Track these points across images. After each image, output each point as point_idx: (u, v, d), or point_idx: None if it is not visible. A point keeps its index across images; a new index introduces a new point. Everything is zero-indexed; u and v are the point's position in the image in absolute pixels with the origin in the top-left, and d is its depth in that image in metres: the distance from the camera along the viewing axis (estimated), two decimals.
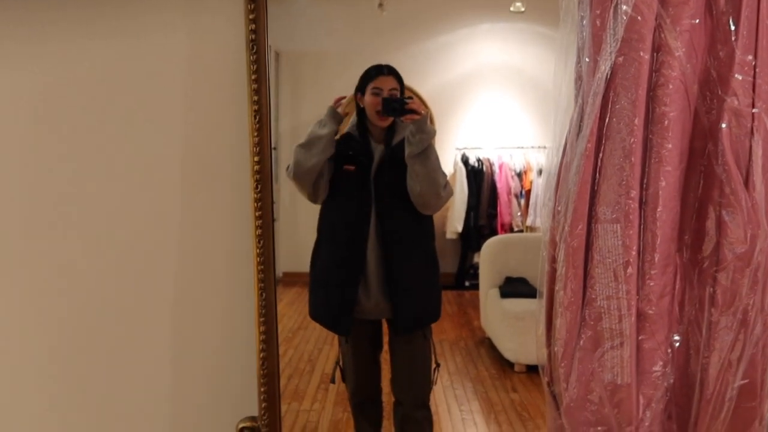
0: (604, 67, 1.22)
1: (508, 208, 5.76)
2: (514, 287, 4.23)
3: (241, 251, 1.36)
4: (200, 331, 1.38)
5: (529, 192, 5.81)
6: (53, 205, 1.34)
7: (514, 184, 5.82)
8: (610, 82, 1.23)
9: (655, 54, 1.21)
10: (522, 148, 6.08)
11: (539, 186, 5.80)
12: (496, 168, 5.82)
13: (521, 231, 5.81)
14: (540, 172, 5.85)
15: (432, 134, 1.92)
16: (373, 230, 2.02)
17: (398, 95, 2.08)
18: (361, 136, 2.07)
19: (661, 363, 1.24)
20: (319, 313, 2.12)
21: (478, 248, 5.32)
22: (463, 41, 6.59)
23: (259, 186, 1.30)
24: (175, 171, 1.35)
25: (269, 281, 1.32)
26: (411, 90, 2.19)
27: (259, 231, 1.31)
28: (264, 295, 1.32)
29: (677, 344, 1.26)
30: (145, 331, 1.37)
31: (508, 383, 3.74)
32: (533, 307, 3.80)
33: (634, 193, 1.22)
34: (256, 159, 1.28)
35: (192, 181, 1.36)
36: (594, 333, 1.26)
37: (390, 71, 2.11)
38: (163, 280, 1.37)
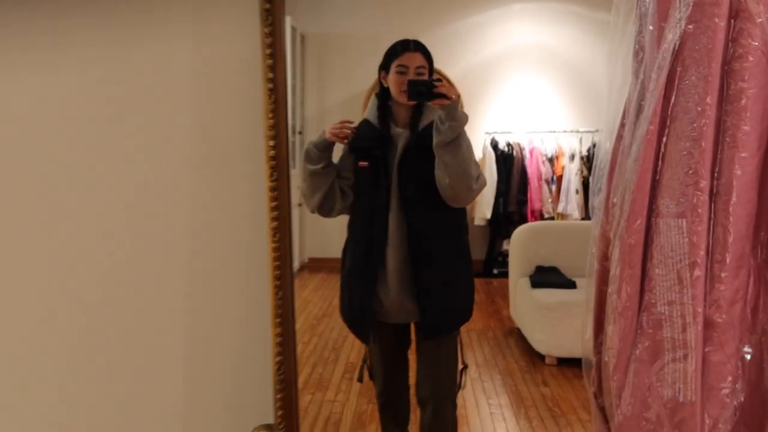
0: (672, 36, 1.02)
1: (538, 195, 5.53)
2: (546, 277, 4.04)
3: (255, 245, 1.21)
4: (213, 332, 1.23)
5: (560, 178, 5.57)
6: (66, 205, 1.24)
7: (545, 169, 5.59)
8: (677, 54, 1.04)
9: (732, 21, 1.02)
10: (554, 132, 5.83)
11: (571, 171, 5.56)
12: (526, 153, 5.58)
13: (552, 218, 5.59)
14: (572, 157, 5.62)
15: (463, 121, 1.70)
16: (395, 225, 1.81)
17: (426, 75, 1.83)
18: (381, 122, 1.87)
19: (730, 378, 1.06)
20: (346, 316, 1.98)
21: (508, 235, 5.12)
22: (494, 21, 6.35)
23: (275, 174, 1.13)
24: (185, 159, 1.20)
25: (286, 278, 1.17)
26: (439, 73, 2.01)
27: (274, 223, 1.15)
28: (280, 293, 1.16)
29: (749, 357, 1.07)
30: (156, 333, 1.23)
31: (539, 376, 3.57)
32: (565, 297, 3.62)
33: (704, 183, 1.03)
34: (271, 144, 1.12)
35: (204, 170, 1.21)
36: (652, 343, 1.08)
37: (417, 47, 1.86)
38: (174, 278, 1.23)
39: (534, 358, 3.81)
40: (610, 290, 1.13)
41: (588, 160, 5.63)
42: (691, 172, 1.04)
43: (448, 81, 2.08)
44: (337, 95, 6.09)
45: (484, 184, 1.86)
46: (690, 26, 1.02)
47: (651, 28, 1.07)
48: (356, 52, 5.99)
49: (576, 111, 5.97)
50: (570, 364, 3.67)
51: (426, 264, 1.83)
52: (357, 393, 2.48)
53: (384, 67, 1.89)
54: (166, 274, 1.22)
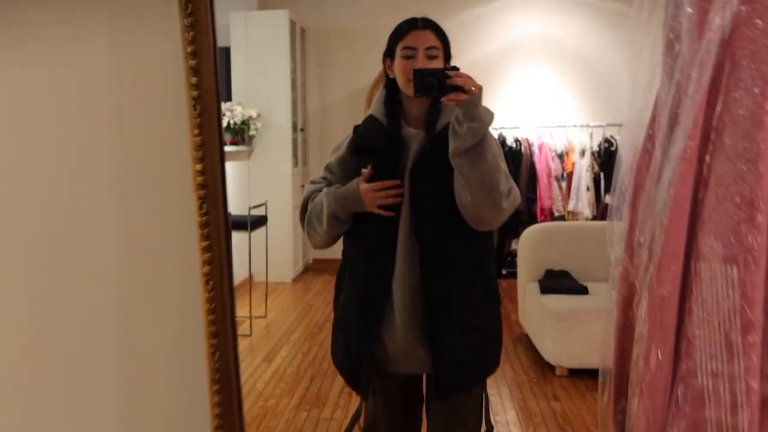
0: (719, 21, 0.75)
1: (548, 192, 5.25)
2: (556, 282, 3.75)
3: (185, 298, 0.93)
4: (146, 404, 0.97)
5: (570, 174, 5.28)
6: None
7: (555, 165, 5.30)
8: (726, 45, 0.76)
9: None
10: (563, 127, 5.57)
11: (582, 168, 5.26)
12: (535, 149, 5.31)
13: (562, 216, 5.30)
14: (583, 152, 5.32)
15: (487, 122, 1.27)
16: (404, 249, 1.38)
17: (440, 58, 1.39)
18: (390, 119, 1.43)
19: None
20: (339, 362, 1.51)
21: (516, 234, 4.83)
22: (498, 13, 6.05)
23: (205, 205, 0.86)
24: (101, 188, 0.92)
25: (226, 334, 0.90)
26: None
27: (206, 268, 0.88)
28: (218, 354, 0.90)
29: None
30: (85, 397, 0.97)
31: (549, 389, 3.30)
32: (576, 305, 3.31)
33: (761, 219, 0.76)
34: (198, 168, 0.84)
35: (123, 202, 0.93)
36: (691, 424, 0.81)
37: (426, 24, 1.41)
38: (98, 332, 0.96)
39: (544, 368, 3.54)
40: (635, 353, 0.86)
41: (599, 156, 5.35)
42: (743, 202, 0.76)
43: None
44: (340, 90, 5.84)
45: (516, 201, 1.35)
46: (743, 7, 0.74)
47: (690, 10, 0.78)
48: (358, 46, 5.75)
49: (586, 105, 5.69)
50: (582, 376, 3.40)
51: (441, 303, 1.38)
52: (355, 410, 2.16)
53: (388, 53, 1.45)
54: (87, 329, 0.96)
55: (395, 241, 1.38)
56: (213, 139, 0.86)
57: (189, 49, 0.81)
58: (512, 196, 1.33)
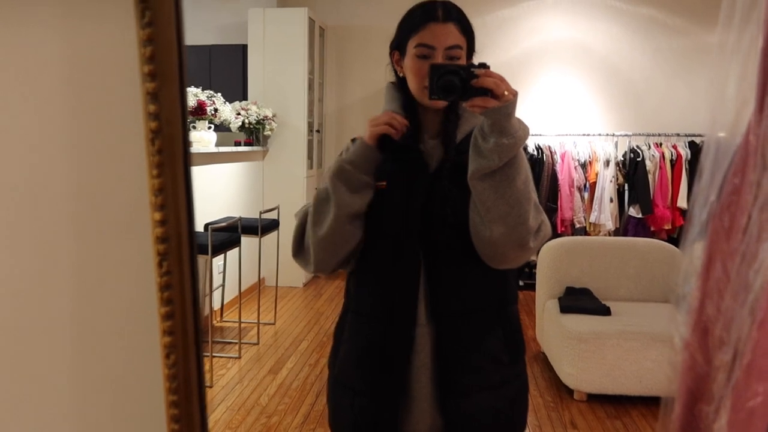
0: None
1: (569, 203, 5.00)
2: (576, 301, 3.51)
3: (145, 368, 0.74)
4: None
5: (593, 185, 5.02)
6: None
7: (578, 175, 5.05)
8: None
9: None
10: (587, 135, 5.31)
11: (606, 178, 5.01)
12: (557, 157, 5.06)
13: (583, 228, 5.05)
14: (607, 162, 5.07)
15: (521, 138, 0.99)
16: (421, 290, 1.12)
17: (462, 59, 1.11)
18: (409, 125, 1.14)
19: None
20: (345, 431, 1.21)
21: None
22: (526, 15, 5.80)
23: (165, 263, 0.67)
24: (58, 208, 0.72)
25: (189, 419, 0.72)
26: None
27: (167, 338, 0.69)
28: None
29: None
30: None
31: (566, 414, 3.09)
32: (597, 326, 3.07)
33: None
34: (157, 217, 0.64)
35: (81, 240, 0.73)
36: None
37: (448, 14, 1.09)
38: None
39: (561, 391, 3.32)
40: None
41: (624, 167, 5.09)
42: None
43: None
44: (358, 91, 5.64)
45: (546, 238, 1.09)
46: None
47: None
48: (378, 46, 5.54)
49: (612, 113, 5.43)
50: (602, 401, 3.18)
51: (459, 356, 1.12)
52: None
53: (397, 44, 1.15)
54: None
55: (418, 278, 1.11)
56: (177, 182, 0.66)
57: (146, 69, 0.62)
58: (542, 233, 1.07)
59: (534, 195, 1.06)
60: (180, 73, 0.65)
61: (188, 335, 0.71)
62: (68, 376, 0.74)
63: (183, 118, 0.67)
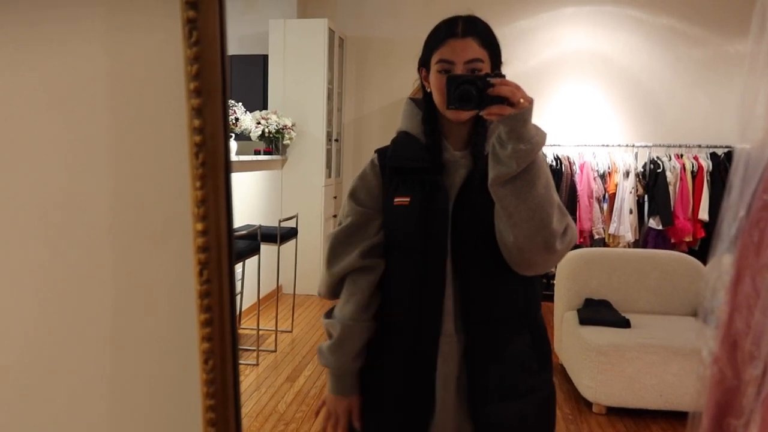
0: None
1: (588, 214, 4.98)
2: (596, 313, 3.49)
3: (184, 373, 0.76)
4: None
5: (613, 196, 5.00)
6: None
7: (597, 186, 5.03)
8: None
9: None
10: (607, 146, 5.28)
11: (625, 189, 4.99)
12: (576, 168, 5.04)
13: (602, 240, 5.03)
14: (627, 173, 5.04)
15: (538, 143, 1.01)
16: (448, 300, 1.14)
17: (480, 71, 1.13)
18: (429, 139, 1.19)
19: None
20: None
21: None
22: (544, 26, 5.81)
23: (206, 271, 0.69)
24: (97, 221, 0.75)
25: (226, 423, 0.74)
26: None
27: (205, 345, 0.72)
28: None
29: None
30: None
31: (585, 427, 3.06)
32: (618, 339, 3.05)
33: None
34: (199, 228, 0.67)
35: (121, 256, 0.76)
36: None
37: (468, 30, 1.13)
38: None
39: (580, 403, 3.30)
40: None
41: (644, 178, 5.07)
42: None
43: None
44: (377, 101, 5.68)
45: (573, 241, 1.11)
46: None
47: None
48: (398, 57, 5.58)
49: (632, 123, 5.40)
50: (621, 414, 3.15)
51: (488, 363, 1.14)
52: None
53: (423, 61, 1.20)
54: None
55: (443, 288, 1.13)
56: (219, 194, 0.69)
57: (192, 85, 0.65)
58: (568, 236, 1.08)
59: (557, 198, 1.08)
60: (223, 90, 0.68)
61: (225, 342, 0.73)
62: (108, 381, 0.77)
63: (225, 132, 0.69)
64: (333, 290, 1.26)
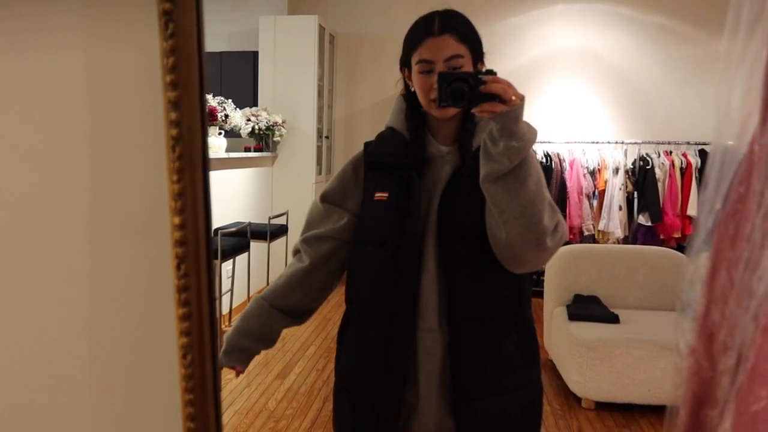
0: None
1: (578, 210, 5.00)
2: (585, 308, 3.51)
3: (161, 366, 0.76)
4: None
5: (603, 192, 5.01)
6: None
7: (586, 183, 5.05)
8: None
9: None
10: (597, 143, 5.30)
11: (615, 186, 5.01)
12: (566, 164, 5.06)
13: (592, 236, 5.05)
14: (616, 170, 5.07)
15: (530, 140, 1.01)
16: (429, 297, 1.14)
17: (464, 68, 1.13)
18: (414, 134, 1.19)
19: None
20: None
21: None
22: (535, 23, 5.82)
23: (183, 266, 0.69)
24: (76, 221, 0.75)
25: (205, 418, 0.73)
26: None
27: (183, 339, 0.71)
28: None
29: None
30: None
31: (574, 423, 3.08)
32: (606, 334, 3.07)
33: None
34: (176, 221, 0.67)
35: (97, 247, 0.76)
36: None
37: (444, 27, 1.12)
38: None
39: (569, 399, 3.31)
40: None
41: (633, 174, 5.09)
42: None
43: None
44: (368, 98, 5.67)
45: (564, 238, 1.10)
46: None
47: None
48: (388, 54, 5.57)
49: (621, 121, 5.43)
50: (610, 409, 3.17)
51: (473, 361, 1.14)
52: None
53: (404, 61, 1.19)
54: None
55: (418, 283, 1.13)
56: (196, 187, 0.69)
57: (168, 78, 0.64)
58: (559, 233, 1.08)
59: (547, 195, 1.08)
60: (200, 83, 0.68)
61: (204, 336, 0.73)
62: (86, 375, 0.77)
63: (203, 125, 0.69)
64: None
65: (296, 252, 1.30)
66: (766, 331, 0.63)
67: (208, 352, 0.73)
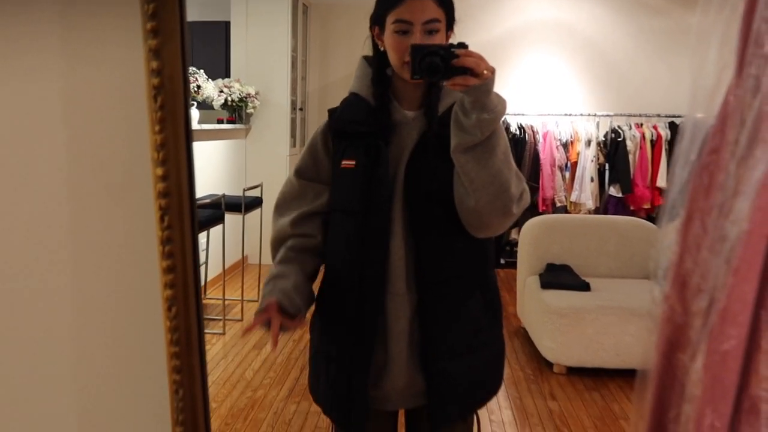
0: None
1: (551, 182, 5.05)
2: (557, 277, 3.58)
3: (145, 322, 0.75)
4: None
5: (575, 164, 5.08)
6: None
7: (559, 155, 5.10)
8: None
9: None
10: (570, 115, 5.34)
11: (587, 158, 5.07)
12: (539, 137, 5.10)
13: (564, 207, 5.12)
14: (588, 142, 5.13)
15: (500, 112, 1.03)
16: (398, 261, 1.16)
17: (441, 33, 1.13)
18: (378, 100, 1.19)
19: None
20: (322, 397, 1.26)
21: (517, 224, 4.68)
22: None
23: (167, 217, 0.68)
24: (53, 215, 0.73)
25: (191, 369, 0.73)
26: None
27: (168, 291, 0.71)
28: (181, 392, 0.73)
29: None
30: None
31: (546, 387, 3.17)
32: (577, 302, 3.14)
33: None
34: (159, 172, 0.66)
35: (78, 203, 0.74)
36: None
37: None
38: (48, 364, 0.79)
39: (541, 365, 3.40)
40: (683, 416, 0.70)
41: (605, 146, 5.16)
42: None
43: None
44: (342, 69, 5.61)
45: (527, 204, 1.14)
46: None
47: None
48: (363, 24, 5.51)
49: (594, 93, 5.48)
50: (581, 374, 3.27)
51: (441, 322, 1.17)
52: None
53: (376, 19, 1.17)
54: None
55: (387, 250, 1.15)
56: (178, 138, 0.68)
57: (149, 25, 0.63)
58: (524, 200, 1.12)
59: (514, 164, 1.11)
60: (181, 30, 0.67)
61: (189, 288, 0.73)
62: (71, 330, 0.76)
63: (184, 74, 0.68)
64: (272, 257, 1.27)
65: (284, 239, 1.25)
66: (737, 272, 0.65)
67: (192, 304, 0.73)
